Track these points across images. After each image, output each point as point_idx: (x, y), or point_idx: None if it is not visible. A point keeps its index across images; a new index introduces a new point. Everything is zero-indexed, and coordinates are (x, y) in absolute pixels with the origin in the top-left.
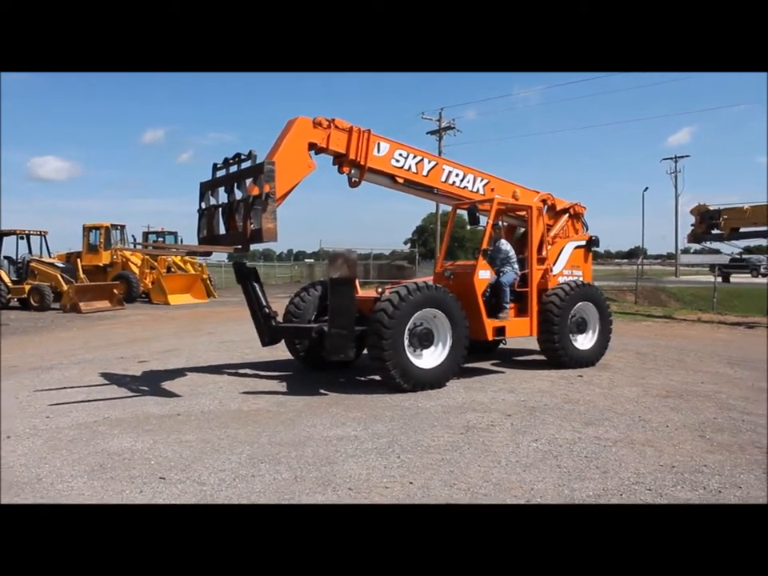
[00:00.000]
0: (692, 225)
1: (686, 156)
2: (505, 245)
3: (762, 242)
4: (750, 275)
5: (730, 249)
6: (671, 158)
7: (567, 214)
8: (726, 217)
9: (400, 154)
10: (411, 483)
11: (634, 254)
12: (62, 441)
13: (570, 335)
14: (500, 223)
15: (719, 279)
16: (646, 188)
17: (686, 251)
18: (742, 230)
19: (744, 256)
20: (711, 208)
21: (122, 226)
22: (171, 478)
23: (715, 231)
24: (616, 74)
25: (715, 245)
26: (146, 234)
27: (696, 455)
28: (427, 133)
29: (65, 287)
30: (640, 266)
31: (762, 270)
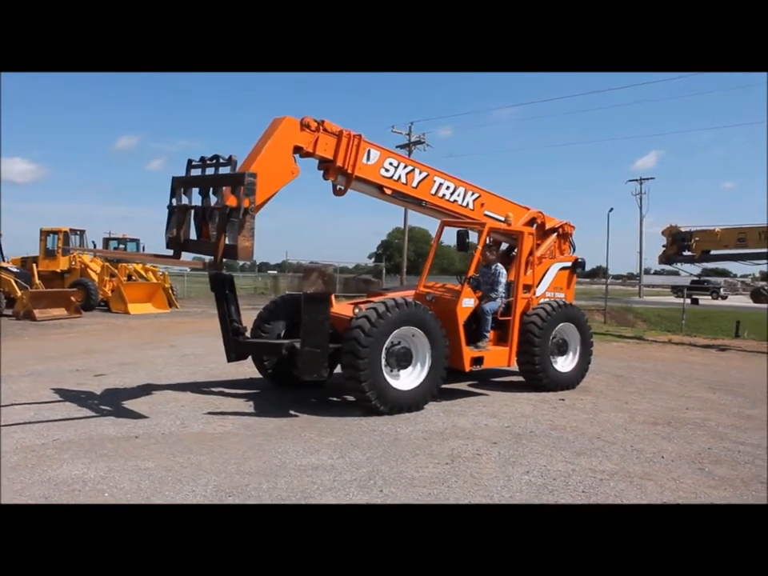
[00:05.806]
0: (663, 246)
1: (651, 178)
2: (500, 268)
3: (723, 265)
4: (710, 297)
5: (690, 270)
6: (636, 180)
7: (556, 233)
8: (697, 239)
9: (390, 163)
10: None
11: (596, 274)
12: (4, 468)
13: (551, 357)
14: (492, 246)
15: (688, 301)
16: (611, 209)
17: (647, 272)
18: (712, 252)
19: (703, 278)
20: (683, 230)
21: (82, 231)
22: None
23: (686, 253)
24: (588, 96)
25: (675, 267)
26: (106, 240)
27: (700, 491)
28: (397, 146)
29: (19, 293)
30: (607, 286)
31: (722, 293)
